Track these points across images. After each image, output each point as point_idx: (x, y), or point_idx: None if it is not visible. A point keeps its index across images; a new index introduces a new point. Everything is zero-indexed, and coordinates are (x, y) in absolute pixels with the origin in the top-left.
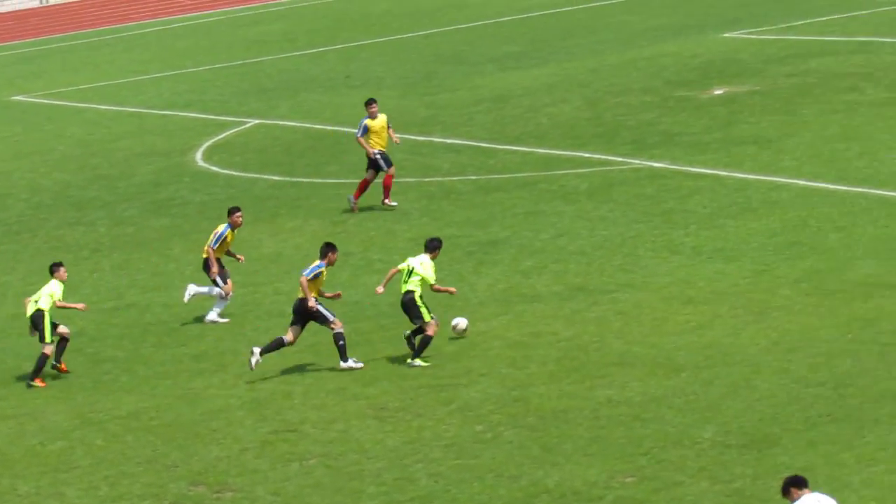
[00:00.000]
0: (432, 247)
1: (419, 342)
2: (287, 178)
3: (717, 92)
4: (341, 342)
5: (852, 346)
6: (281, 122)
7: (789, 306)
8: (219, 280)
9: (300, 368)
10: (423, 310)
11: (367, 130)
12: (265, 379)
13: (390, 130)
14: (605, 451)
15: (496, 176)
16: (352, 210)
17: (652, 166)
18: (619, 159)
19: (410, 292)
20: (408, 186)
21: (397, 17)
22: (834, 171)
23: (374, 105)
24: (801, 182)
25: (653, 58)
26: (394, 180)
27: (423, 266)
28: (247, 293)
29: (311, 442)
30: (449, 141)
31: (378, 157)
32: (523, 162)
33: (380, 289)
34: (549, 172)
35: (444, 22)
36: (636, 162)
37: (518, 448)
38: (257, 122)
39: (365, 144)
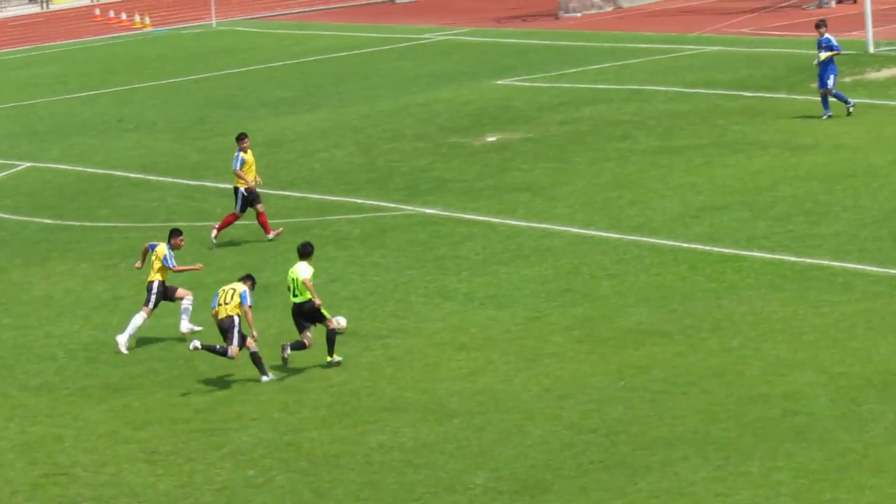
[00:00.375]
0: (307, 252)
1: (329, 339)
2: (58, 222)
3: (490, 139)
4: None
5: (624, 394)
6: (52, 165)
7: (561, 353)
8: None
9: (71, 411)
10: (326, 312)
11: (244, 163)
12: (35, 422)
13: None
14: (377, 496)
15: (269, 221)
16: (212, 241)
17: (424, 213)
18: (392, 205)
19: (309, 301)
20: None
21: (170, 61)
22: (606, 219)
23: (247, 139)
24: (574, 230)
25: (426, 104)
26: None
27: (302, 270)
28: (17, 336)
29: (83, 486)
30: (222, 186)
31: (245, 193)
32: (296, 207)
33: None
34: (321, 218)
35: (216, 66)
36: (409, 208)
37: (290, 493)
38: (28, 165)
39: (245, 176)
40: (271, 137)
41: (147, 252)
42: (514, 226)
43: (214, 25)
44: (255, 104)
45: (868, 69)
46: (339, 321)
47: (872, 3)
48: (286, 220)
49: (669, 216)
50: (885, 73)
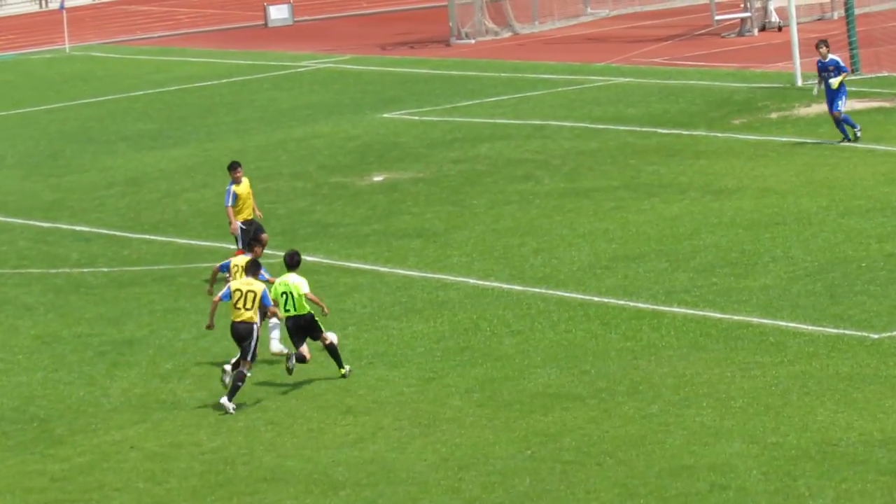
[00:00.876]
0: (296, 262)
1: (331, 352)
2: None
3: (377, 178)
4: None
5: (531, 465)
6: None
7: (460, 418)
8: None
9: None
10: (322, 325)
11: (237, 198)
12: None
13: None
14: None
15: (131, 268)
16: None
17: (304, 260)
18: (268, 252)
19: (308, 315)
20: (32, 278)
21: (18, 89)
22: (508, 269)
23: (240, 169)
24: (472, 281)
25: (304, 139)
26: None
27: (300, 284)
28: None
29: None
30: (78, 228)
31: (243, 226)
32: (161, 253)
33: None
34: (190, 265)
35: (70, 95)
36: None
37: None
38: None
39: (232, 216)
40: (132, 175)
41: (216, 273)
42: (404, 276)
43: (68, 50)
44: (113, 138)
45: (796, 104)
46: (330, 336)
47: (799, 31)
48: (150, 268)
49: (578, 266)
50: (815, 108)
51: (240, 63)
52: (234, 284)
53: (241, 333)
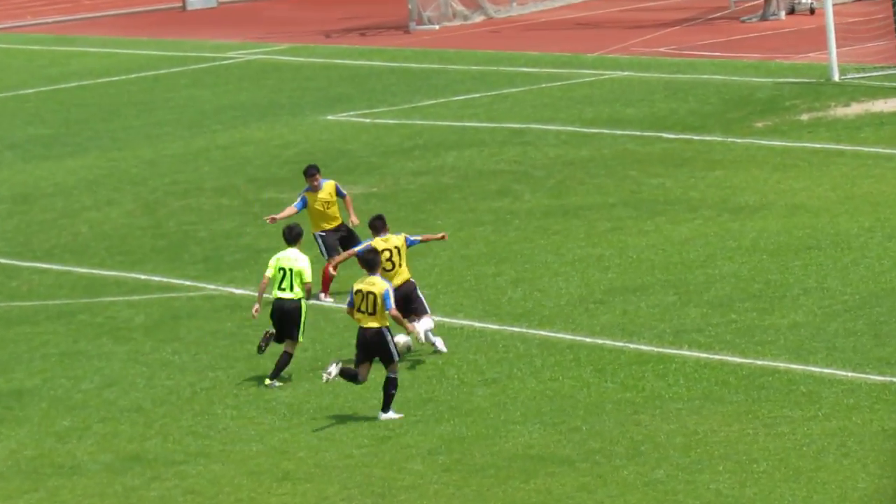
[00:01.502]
0: (297, 235)
1: (279, 363)
2: None
3: None
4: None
5: None
6: None
7: (422, 486)
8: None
9: None
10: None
11: (305, 205)
12: None
13: (348, 206)
14: None
15: (20, 303)
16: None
17: (232, 293)
18: (188, 283)
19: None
20: None
21: None
22: (480, 304)
23: (318, 175)
24: (436, 318)
25: (231, 147)
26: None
27: (300, 260)
28: None
29: None
30: None
31: (321, 235)
32: (57, 285)
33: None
34: (92, 300)
35: None
36: (211, 287)
37: None
38: None
39: (283, 214)
40: (21, 191)
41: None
42: None
43: None
44: None
45: (832, 103)
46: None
47: (836, 15)
48: (44, 303)
49: (567, 301)
50: (856, 108)
51: (152, 54)
52: (355, 285)
53: (370, 342)
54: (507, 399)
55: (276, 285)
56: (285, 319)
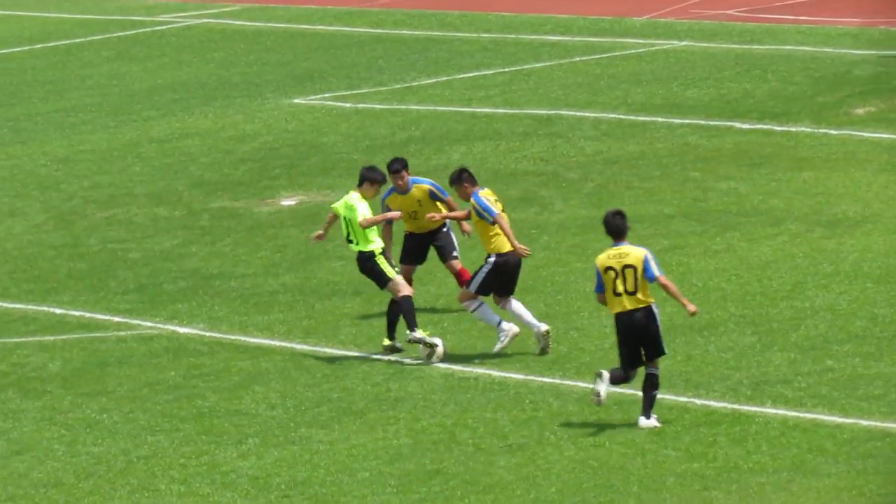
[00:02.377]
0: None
1: (399, 314)
2: None
3: (287, 202)
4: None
5: None
6: None
7: None
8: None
9: None
10: (387, 269)
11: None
12: None
13: (449, 206)
14: None
15: None
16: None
17: (176, 332)
18: (117, 319)
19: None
20: None
21: None
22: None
23: (405, 172)
24: (443, 364)
25: (169, 139)
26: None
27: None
28: None
29: None
30: None
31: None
32: None
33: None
34: None
35: None
36: (147, 324)
37: None
38: None
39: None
40: None
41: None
42: (334, 356)
43: None
44: None
45: None
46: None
47: None
48: None
49: (611, 342)
50: None
51: (63, 17)
52: (602, 260)
53: (639, 325)
54: (537, 471)
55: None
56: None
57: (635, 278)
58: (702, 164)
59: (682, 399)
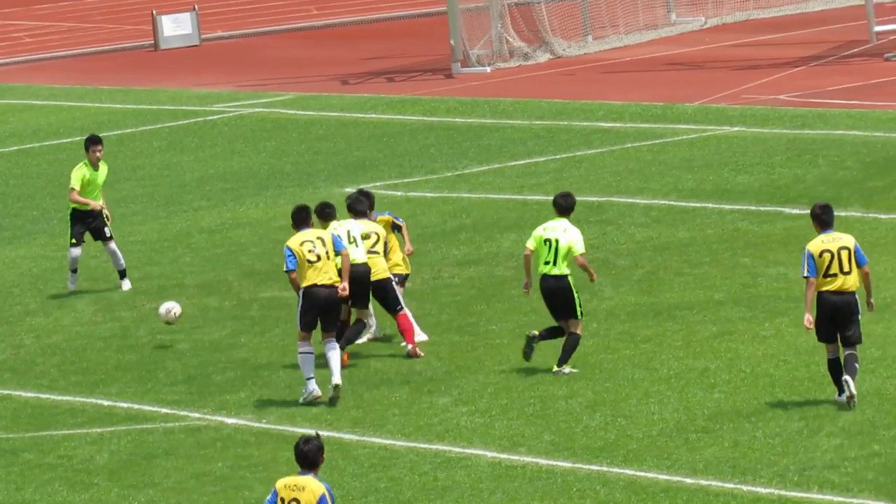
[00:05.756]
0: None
1: (567, 344)
2: None
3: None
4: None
5: None
6: None
7: None
8: None
9: None
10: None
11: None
12: None
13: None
14: None
15: None
16: None
17: (223, 423)
18: (165, 411)
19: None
20: None
21: None
22: (549, 434)
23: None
24: (491, 454)
25: (220, 229)
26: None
27: (567, 233)
28: None
29: None
30: None
31: None
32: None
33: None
34: (40, 433)
35: None
36: (195, 416)
37: None
38: None
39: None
40: None
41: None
42: (382, 446)
43: None
44: None
45: None
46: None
47: None
48: None
49: (660, 430)
50: None
51: (115, 108)
52: (812, 248)
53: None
54: None
55: (542, 261)
56: (560, 305)
57: (850, 259)
58: (752, 249)
59: (729, 485)
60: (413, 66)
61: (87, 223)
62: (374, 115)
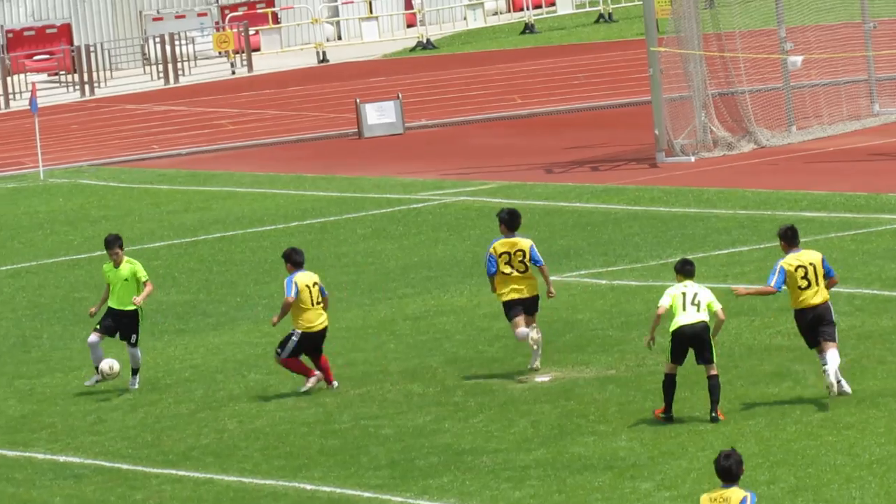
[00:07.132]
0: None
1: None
2: None
3: (541, 379)
4: None
5: None
6: None
7: None
8: None
9: None
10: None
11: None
12: None
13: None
14: None
15: None
16: None
17: None
18: (368, 495)
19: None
20: None
21: None
22: None
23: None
24: None
25: (424, 316)
26: None
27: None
28: None
29: None
30: (61, 458)
31: None
32: (196, 498)
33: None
34: None
35: (47, 249)
36: (397, 500)
37: None
38: None
39: None
40: (150, 375)
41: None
42: None
43: (42, 176)
44: None
45: None
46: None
47: None
48: None
49: None
50: None
51: (318, 195)
52: None
53: None
54: None
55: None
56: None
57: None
58: None
59: None
60: (617, 155)
61: (117, 320)
62: (578, 204)
